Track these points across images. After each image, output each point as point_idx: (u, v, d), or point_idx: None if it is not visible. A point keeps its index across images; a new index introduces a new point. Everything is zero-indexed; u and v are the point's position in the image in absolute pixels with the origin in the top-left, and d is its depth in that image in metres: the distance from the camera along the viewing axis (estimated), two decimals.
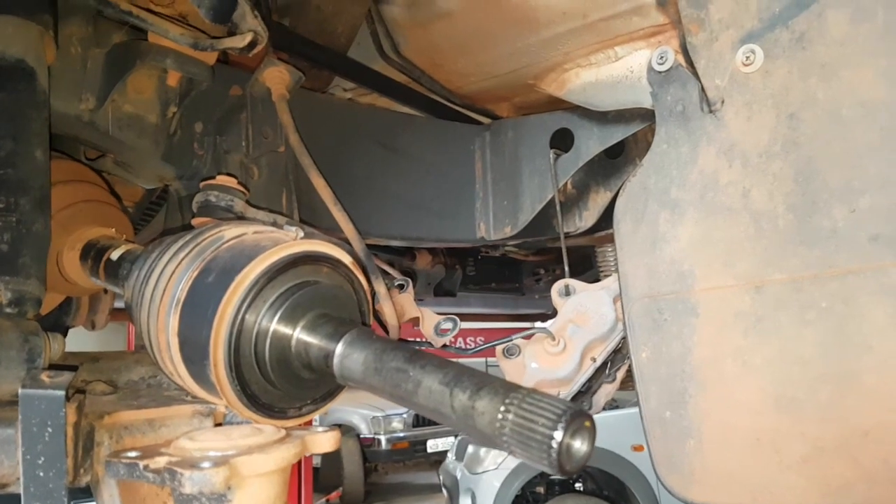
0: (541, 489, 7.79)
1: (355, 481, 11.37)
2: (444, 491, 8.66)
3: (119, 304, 2.41)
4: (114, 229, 1.29)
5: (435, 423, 12.14)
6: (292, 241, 0.97)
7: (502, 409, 0.75)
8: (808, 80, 1.46)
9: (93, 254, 1.21)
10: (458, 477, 8.03)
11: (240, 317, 0.91)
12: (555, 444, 0.70)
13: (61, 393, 0.84)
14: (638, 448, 7.19)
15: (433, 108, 2.05)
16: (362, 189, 1.86)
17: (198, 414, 1.01)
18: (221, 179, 1.27)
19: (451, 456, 8.83)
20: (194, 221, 1.26)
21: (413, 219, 1.97)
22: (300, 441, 0.90)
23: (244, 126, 1.57)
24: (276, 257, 0.94)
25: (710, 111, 1.56)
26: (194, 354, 0.93)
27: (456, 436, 11.09)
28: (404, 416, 11.94)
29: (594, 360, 1.77)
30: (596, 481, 7.69)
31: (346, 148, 1.83)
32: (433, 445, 12.01)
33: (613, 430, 7.21)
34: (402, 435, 11.93)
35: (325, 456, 11.43)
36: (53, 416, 0.84)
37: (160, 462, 0.84)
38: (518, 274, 4.48)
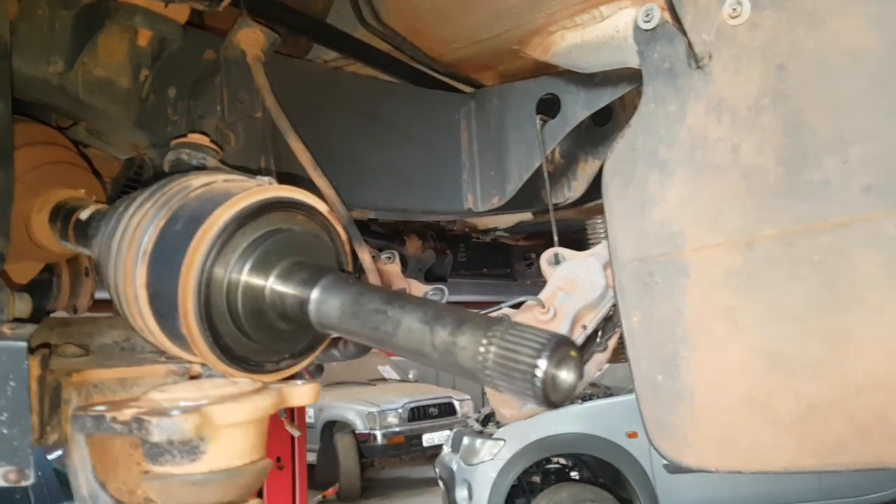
0: (536, 479, 7.78)
1: (351, 477, 11.34)
2: (441, 483, 8.64)
3: (102, 293, 2.36)
4: (83, 190, 1.25)
5: (431, 417, 12.13)
6: (264, 187, 0.93)
7: (484, 342, 0.72)
8: (795, 29, 1.43)
9: (62, 215, 1.17)
10: (455, 469, 8.01)
11: (209, 264, 0.87)
12: (539, 374, 0.67)
13: (23, 344, 0.80)
14: (632, 435, 7.18)
15: (416, 77, 2.00)
16: (343, 159, 1.82)
17: (172, 374, 0.97)
18: (193, 137, 1.23)
19: (446, 448, 8.81)
20: None
21: (397, 190, 1.93)
22: (277, 392, 0.87)
23: (219, 90, 1.52)
24: (245, 202, 0.90)
25: (698, 67, 1.53)
26: (164, 307, 0.89)
27: (451, 428, 11.08)
28: (399, 410, 11.92)
29: (585, 327, 1.73)
30: (591, 469, 7.69)
31: (325, 116, 1.78)
32: (429, 439, 11.99)
33: (608, 417, 7.22)
34: (397, 429, 11.90)
35: (320, 452, 11.39)
36: (15, 368, 0.80)
37: (127, 413, 0.80)
38: (509, 259, 4.44)
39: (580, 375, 0.70)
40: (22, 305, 0.96)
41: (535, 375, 0.67)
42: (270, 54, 1.55)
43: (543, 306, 1.73)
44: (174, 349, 0.94)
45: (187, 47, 1.46)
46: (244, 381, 0.88)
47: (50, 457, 6.86)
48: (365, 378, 13.22)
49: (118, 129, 1.45)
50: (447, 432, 11.26)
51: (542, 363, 0.67)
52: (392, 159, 1.93)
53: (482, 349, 0.71)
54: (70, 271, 2.09)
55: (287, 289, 0.90)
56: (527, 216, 3.16)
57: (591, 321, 1.74)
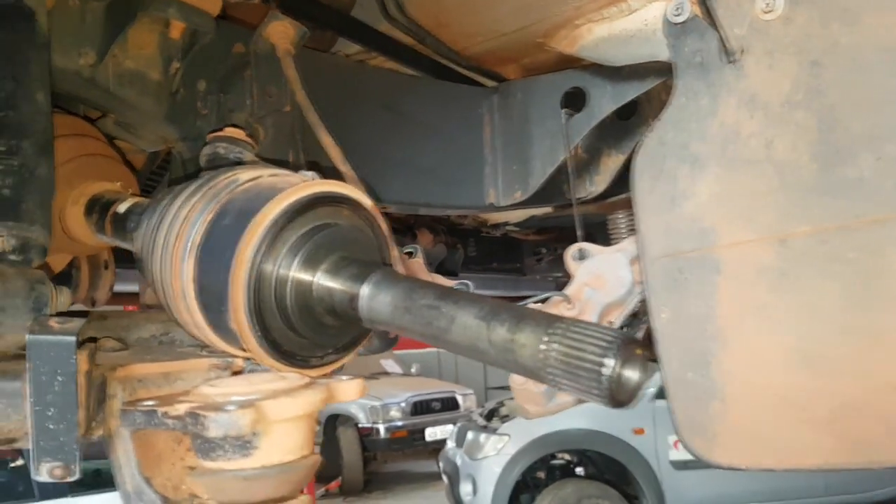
0: (541, 474, 7.77)
1: (354, 470, 11.35)
2: (445, 477, 8.64)
3: (121, 286, 2.35)
4: (119, 184, 1.24)
5: (434, 412, 12.13)
6: (311, 182, 0.92)
7: (545, 339, 0.71)
8: (829, 25, 1.42)
9: (98, 208, 1.15)
10: (459, 464, 8.00)
11: (259, 258, 0.86)
12: (606, 373, 0.66)
13: (72, 339, 0.79)
14: (639, 431, 7.17)
15: (438, 71, 1.99)
16: (367, 153, 1.80)
17: (214, 367, 0.96)
18: (230, 131, 1.22)
19: (450, 443, 8.81)
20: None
21: (420, 184, 1.92)
22: (326, 387, 0.86)
23: (248, 84, 1.51)
24: (295, 197, 0.89)
25: (730, 61, 1.51)
26: (212, 301, 0.88)
27: (455, 423, 11.07)
28: (402, 404, 11.92)
29: (611, 323, 1.73)
30: (596, 465, 7.68)
31: (349, 110, 1.77)
32: (431, 434, 11.99)
33: (614, 413, 7.18)
34: (400, 424, 11.90)
35: (323, 446, 11.40)
36: (64, 363, 0.79)
37: (180, 409, 0.79)
38: (519, 254, 4.44)
39: (646, 374, 0.69)
40: (63, 299, 0.95)
41: (601, 374, 0.66)
42: (300, 48, 1.54)
43: (570, 302, 1.72)
44: (219, 343, 0.93)
45: (217, 40, 1.45)
46: (292, 375, 0.87)
47: None
48: (368, 372, 13.22)
49: (148, 122, 1.44)
50: (450, 427, 11.27)
51: (609, 361, 0.66)
52: (414, 153, 1.92)
53: (543, 346, 0.70)
54: (89, 264, 2.08)
55: (336, 284, 0.89)
56: (538, 211, 3.15)
57: (619, 317, 1.73)
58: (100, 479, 6.49)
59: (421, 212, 2.15)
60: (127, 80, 1.38)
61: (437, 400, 12.40)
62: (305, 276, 0.89)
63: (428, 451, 12.21)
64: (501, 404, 8.95)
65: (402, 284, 0.85)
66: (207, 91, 1.49)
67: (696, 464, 6.99)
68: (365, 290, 0.87)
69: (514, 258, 4.43)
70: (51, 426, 0.80)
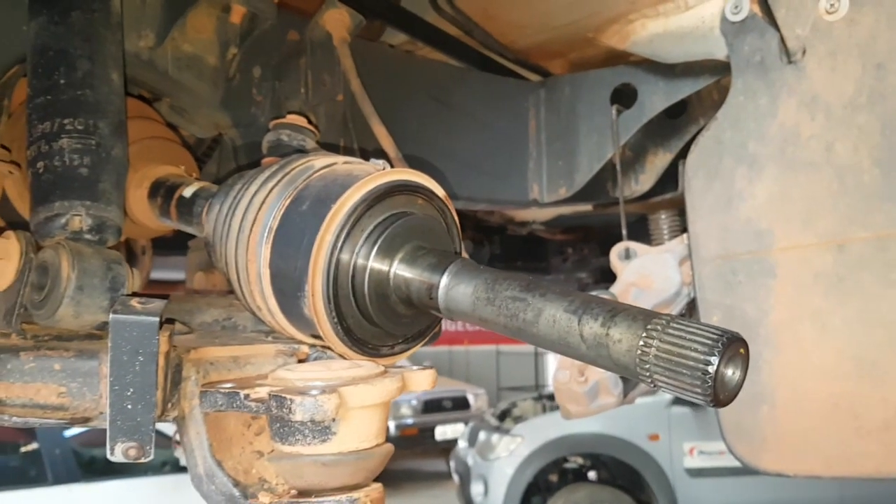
0: (553, 477, 7.73)
1: None
2: (456, 477, 8.63)
3: (157, 274, 2.34)
4: (183, 167, 1.23)
5: (444, 410, 12.12)
6: (387, 170, 0.91)
7: (644, 335, 0.69)
8: (895, 28, 1.40)
9: (162, 192, 1.15)
10: (471, 464, 7.99)
11: (338, 246, 0.85)
12: (711, 371, 0.64)
13: (155, 319, 0.79)
14: (654, 437, 7.13)
15: (483, 63, 1.98)
16: (414, 144, 1.79)
17: (281, 353, 0.95)
18: (292, 118, 1.21)
19: (462, 442, 8.80)
20: (264, 162, 1.19)
21: (465, 178, 1.91)
22: (400, 377, 0.85)
23: (303, 72, 1.50)
24: (373, 185, 0.88)
25: (791, 62, 1.49)
26: (287, 286, 0.88)
27: (465, 422, 11.05)
28: (413, 402, 11.91)
29: None
30: (610, 470, 7.64)
31: (398, 100, 1.76)
32: (441, 433, 11.99)
33: (629, 418, 7.15)
34: (410, 421, 11.90)
35: None
36: (146, 343, 0.79)
37: (261, 392, 0.78)
38: (544, 253, 4.41)
39: (746, 373, 0.68)
40: (137, 281, 0.95)
41: (706, 373, 0.64)
42: (355, 36, 1.53)
43: None
44: (289, 329, 0.93)
45: (274, 27, 1.45)
46: (367, 364, 0.86)
47: (67, 434, 6.89)
48: None
49: (203, 107, 1.44)
50: (460, 426, 11.26)
51: (714, 360, 0.64)
52: (459, 146, 1.91)
53: (642, 343, 0.69)
54: (126, 250, 2.08)
55: (413, 274, 0.88)
56: (567, 210, 3.13)
57: None
58: (111, 467, 6.53)
59: (462, 206, 2.14)
60: (185, 64, 1.37)
61: (448, 399, 12.39)
62: (382, 265, 0.89)
63: (438, 449, 12.20)
64: (514, 405, 8.94)
65: (483, 275, 0.83)
66: (262, 78, 1.48)
67: (712, 472, 6.98)
68: (444, 281, 0.85)
69: (539, 257, 4.40)
70: (128, 406, 0.80)
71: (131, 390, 0.79)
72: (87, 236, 0.97)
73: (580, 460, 7.71)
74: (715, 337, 0.66)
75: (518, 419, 8.15)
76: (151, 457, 0.83)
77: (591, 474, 7.74)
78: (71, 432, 6.81)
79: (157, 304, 0.81)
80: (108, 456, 0.81)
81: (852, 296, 1.42)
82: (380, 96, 1.71)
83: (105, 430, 0.81)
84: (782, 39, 1.50)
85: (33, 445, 6.72)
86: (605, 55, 1.93)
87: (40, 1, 1.08)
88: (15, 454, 6.88)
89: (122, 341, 0.78)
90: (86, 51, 1.02)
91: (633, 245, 1.78)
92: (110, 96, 1.04)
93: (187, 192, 1.10)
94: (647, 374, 0.69)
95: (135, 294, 0.89)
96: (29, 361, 0.86)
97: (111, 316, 0.78)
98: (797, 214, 1.46)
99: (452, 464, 8.92)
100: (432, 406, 12.10)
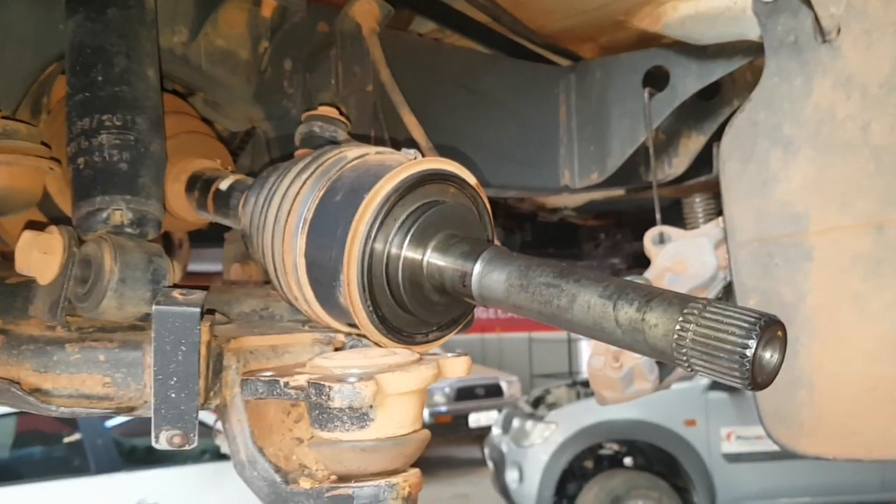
0: (589, 464, 7.73)
1: None
2: (490, 464, 8.67)
3: (194, 266, 2.38)
4: (219, 161, 1.26)
5: (477, 398, 12.15)
6: (420, 159, 0.91)
7: (680, 319, 0.69)
8: None
9: (199, 185, 1.17)
10: (505, 451, 8.02)
11: (372, 235, 0.86)
12: (749, 355, 0.64)
13: (196, 310, 0.81)
14: (690, 423, 7.08)
15: (512, 49, 1.97)
16: (444, 132, 1.80)
17: (318, 342, 0.97)
18: (324, 110, 1.22)
19: (496, 429, 8.83)
20: (297, 154, 1.21)
21: (494, 165, 1.90)
22: (436, 364, 0.86)
23: (333, 63, 1.51)
24: (405, 174, 0.88)
25: (825, 41, 1.46)
26: (322, 275, 0.89)
27: (499, 409, 11.07)
28: (446, 390, 11.97)
29: None
30: (646, 456, 7.60)
31: (428, 89, 1.76)
32: (475, 420, 12.04)
33: (664, 404, 7.11)
34: (444, 409, 11.96)
35: None
36: (188, 333, 0.81)
37: (300, 380, 0.80)
38: (576, 239, 4.39)
39: (784, 356, 0.67)
40: (177, 273, 0.97)
41: (744, 356, 0.64)
42: (384, 27, 1.53)
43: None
44: (325, 318, 0.94)
45: (304, 19, 1.46)
46: (403, 351, 0.87)
47: (109, 425, 7.06)
48: None
49: (236, 101, 1.46)
50: (494, 413, 11.28)
51: (752, 343, 0.64)
52: (490, 133, 1.91)
53: (678, 327, 0.69)
54: (164, 242, 2.12)
55: (446, 262, 0.88)
56: (598, 195, 3.11)
57: None
58: (151, 456, 6.68)
59: (494, 193, 2.14)
60: (218, 59, 1.39)
61: (480, 386, 12.42)
62: (415, 254, 0.89)
63: (471, 436, 12.26)
64: (548, 392, 8.93)
65: (516, 262, 0.84)
66: (293, 71, 1.50)
67: (750, 457, 6.91)
68: (477, 268, 0.86)
69: (571, 243, 4.38)
70: (172, 395, 0.82)
71: (175, 379, 0.82)
72: (128, 230, 1.00)
73: (616, 447, 7.69)
74: (752, 320, 0.65)
75: (552, 406, 8.15)
76: (195, 444, 0.85)
77: (627, 460, 7.71)
78: (112, 422, 6.97)
79: (198, 295, 0.83)
80: (154, 444, 0.84)
81: (892, 278, 1.39)
82: (409, 86, 1.72)
83: (148, 419, 0.84)
84: (816, 18, 1.46)
85: (76, 436, 6.88)
86: (636, 38, 1.91)
87: None
88: (58, 445, 7.06)
89: (165, 332, 0.80)
90: (122, 48, 1.05)
91: (668, 229, 1.76)
92: (147, 92, 1.06)
93: (223, 185, 1.12)
94: (685, 358, 0.69)
95: (175, 286, 0.91)
96: (74, 353, 0.89)
97: (154, 307, 0.80)
98: (833, 196, 1.43)
99: (487, 451, 8.96)
100: (465, 394, 12.15)
